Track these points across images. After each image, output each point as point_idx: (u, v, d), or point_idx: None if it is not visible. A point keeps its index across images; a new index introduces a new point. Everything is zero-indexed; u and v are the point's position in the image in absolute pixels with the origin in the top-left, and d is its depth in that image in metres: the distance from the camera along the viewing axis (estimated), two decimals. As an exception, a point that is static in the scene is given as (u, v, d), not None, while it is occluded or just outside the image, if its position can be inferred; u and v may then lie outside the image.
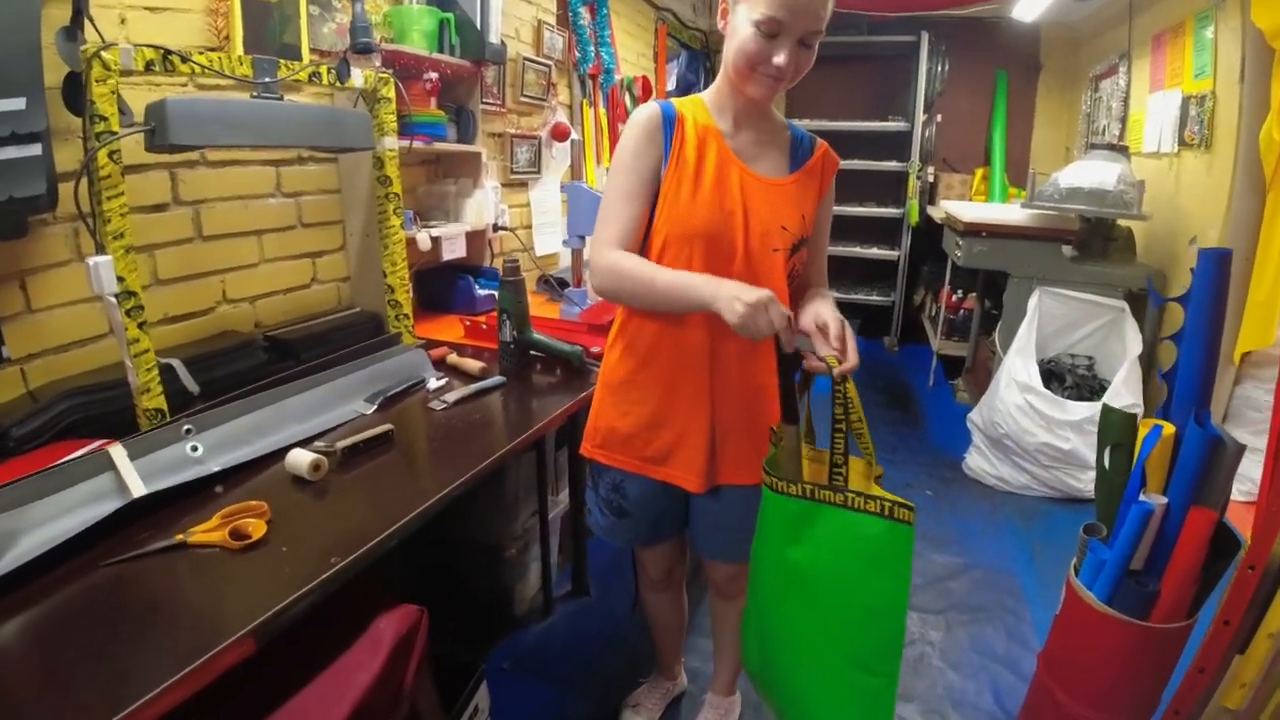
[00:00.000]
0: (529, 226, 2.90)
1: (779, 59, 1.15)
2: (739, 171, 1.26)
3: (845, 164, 4.78)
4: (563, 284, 2.51)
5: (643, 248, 1.29)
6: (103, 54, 1.27)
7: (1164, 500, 1.44)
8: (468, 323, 2.15)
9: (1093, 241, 3.43)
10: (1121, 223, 3.46)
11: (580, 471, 2.07)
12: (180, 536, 1.09)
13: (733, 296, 1.08)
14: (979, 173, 5.48)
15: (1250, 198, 2.79)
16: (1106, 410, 1.58)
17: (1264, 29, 2.49)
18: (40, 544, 1.03)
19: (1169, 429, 1.48)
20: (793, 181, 1.30)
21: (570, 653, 2.10)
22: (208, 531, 1.09)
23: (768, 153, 1.31)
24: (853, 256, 5.51)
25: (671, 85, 4.90)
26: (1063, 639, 1.64)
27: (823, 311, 1.20)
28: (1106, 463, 1.58)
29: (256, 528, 1.10)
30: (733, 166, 1.26)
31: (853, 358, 1.14)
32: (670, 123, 1.26)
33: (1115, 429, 1.56)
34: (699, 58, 5.04)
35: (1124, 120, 4.18)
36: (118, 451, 1.18)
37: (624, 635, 2.13)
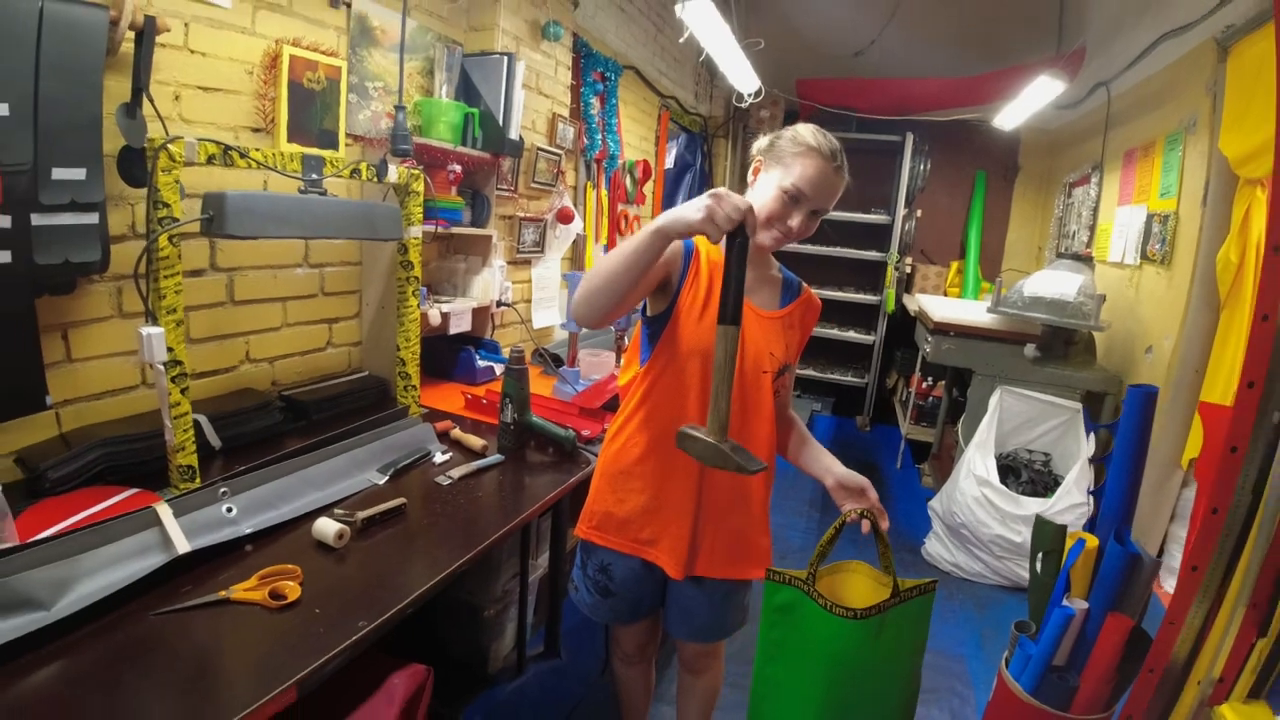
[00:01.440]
0: (529, 301, 3.08)
1: (793, 222, 1.39)
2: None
3: (830, 251, 5.08)
4: (557, 360, 2.68)
5: (648, 357, 1.46)
6: (170, 146, 1.40)
7: (1085, 605, 1.62)
8: (469, 396, 2.30)
9: (1054, 344, 3.63)
10: (1082, 330, 3.67)
11: (561, 536, 2.21)
12: (224, 594, 1.22)
13: (691, 205, 1.15)
14: (954, 265, 5.75)
15: (1204, 313, 2.97)
16: (1040, 521, 1.76)
17: (1229, 156, 2.70)
18: (95, 591, 1.16)
19: (1092, 542, 1.67)
20: (782, 316, 1.51)
21: (540, 713, 2.19)
22: (248, 590, 1.23)
23: (764, 289, 1.52)
24: (832, 339, 5.75)
25: (670, 164, 5.15)
26: (994, 725, 1.80)
27: (841, 475, 1.48)
28: (1038, 567, 1.76)
29: (292, 590, 1.23)
30: None
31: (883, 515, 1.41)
32: (689, 253, 1.44)
33: (1046, 538, 1.74)
34: (696, 140, 5.30)
35: (1093, 229, 4.39)
36: (164, 510, 1.32)
37: (593, 698, 2.24)
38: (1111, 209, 4.13)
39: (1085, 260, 3.64)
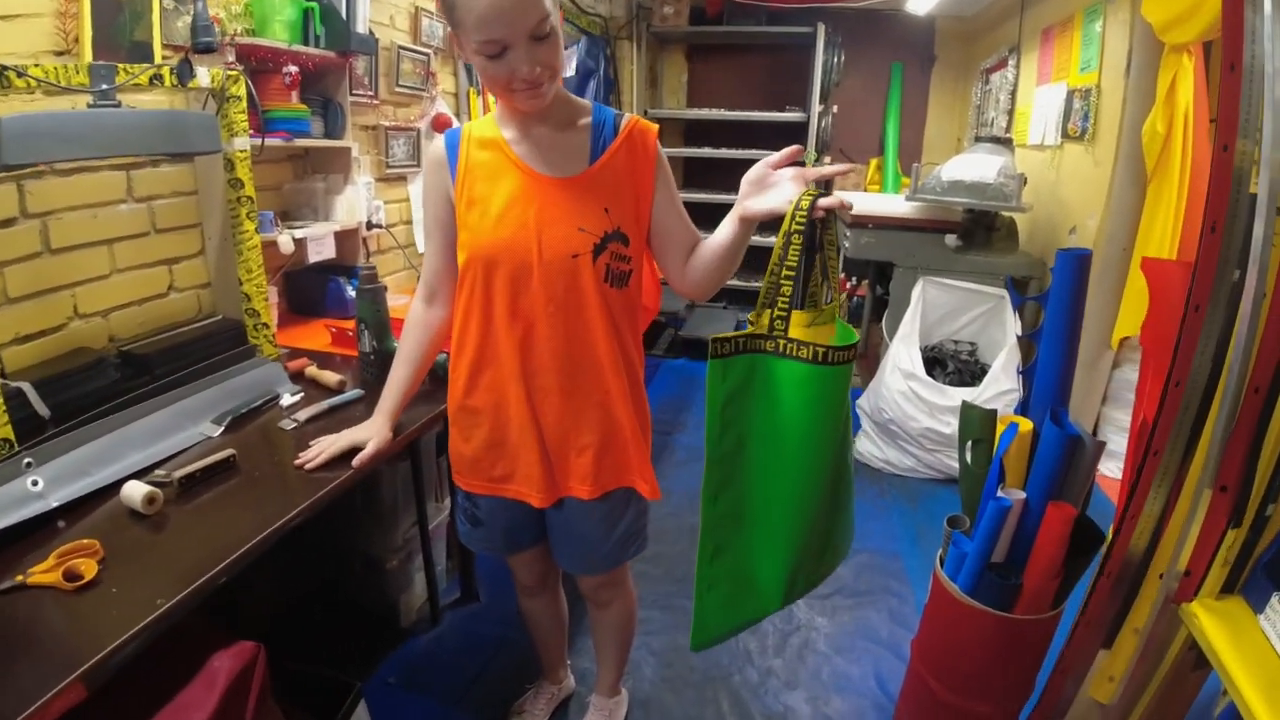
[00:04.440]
0: (408, 222, 2.80)
1: (522, 71, 1.10)
2: (525, 177, 1.21)
3: (744, 154, 4.80)
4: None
5: (457, 279, 1.30)
6: None
7: (1021, 496, 1.49)
8: (334, 329, 2.06)
9: (976, 232, 3.55)
10: (1004, 213, 3.58)
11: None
12: (20, 577, 1.06)
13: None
14: (874, 163, 5.62)
15: (1131, 189, 2.91)
16: (966, 406, 1.62)
17: (1153, 22, 2.58)
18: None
19: (1025, 426, 1.53)
20: (591, 175, 1.23)
21: (458, 662, 2.05)
22: (45, 572, 1.07)
23: (560, 151, 1.24)
24: (753, 245, 5.54)
25: (571, 71, 4.82)
26: (931, 628, 1.70)
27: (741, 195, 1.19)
28: (968, 457, 1.62)
29: (89, 568, 1.06)
30: (516, 174, 1.22)
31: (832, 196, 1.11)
32: (454, 148, 1.24)
33: (974, 425, 1.60)
34: (599, 43, 4.96)
35: (1011, 113, 4.32)
36: (-41, 490, 1.10)
37: (514, 640, 2.09)
38: (1030, 91, 4.05)
39: (1004, 143, 3.55)
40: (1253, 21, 0.98)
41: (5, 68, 1.28)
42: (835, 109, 5.41)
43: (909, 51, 5.54)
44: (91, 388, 1.59)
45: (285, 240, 1.98)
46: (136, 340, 1.83)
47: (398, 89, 2.55)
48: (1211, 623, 1.09)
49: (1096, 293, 2.93)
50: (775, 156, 1.16)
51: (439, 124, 2.76)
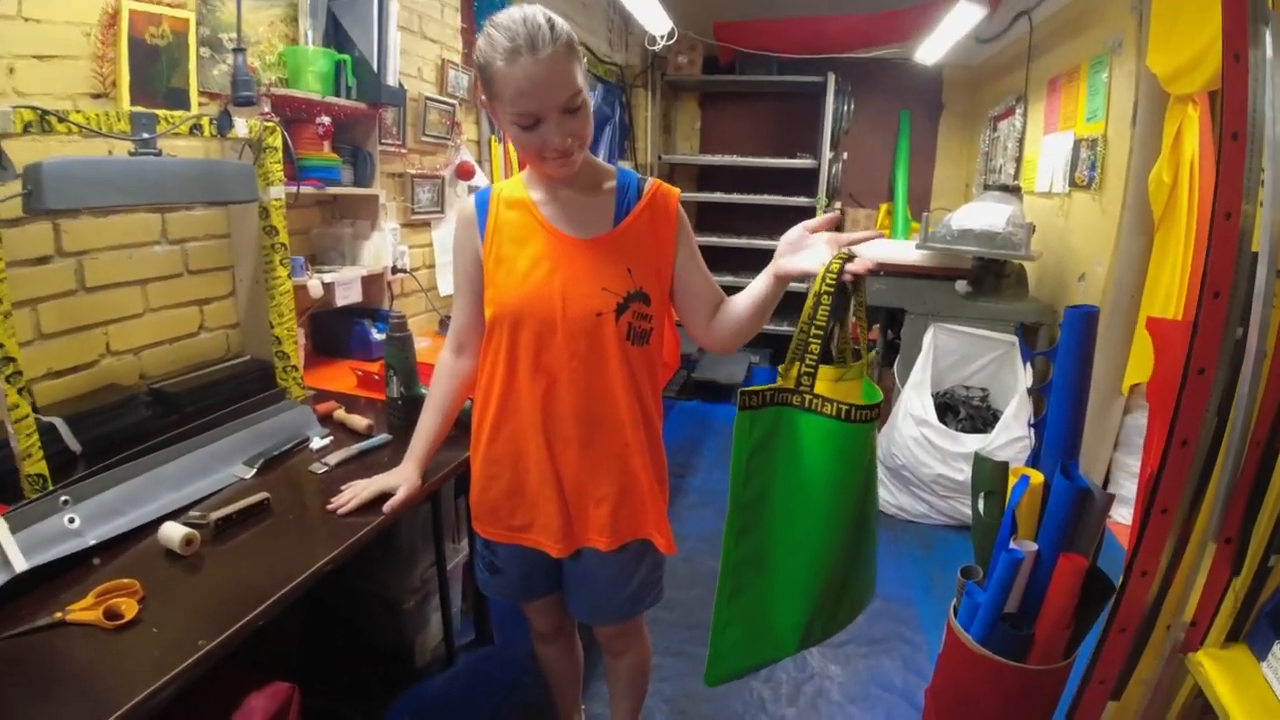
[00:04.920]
0: (431, 266, 2.86)
1: (554, 141, 1.16)
2: (551, 238, 1.27)
3: (754, 198, 4.83)
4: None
5: (486, 332, 1.34)
6: None
7: (1034, 548, 1.51)
8: (360, 373, 2.10)
9: (986, 278, 3.57)
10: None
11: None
12: (59, 615, 1.08)
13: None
14: (883, 208, 5.69)
15: (1138, 237, 2.95)
16: (979, 459, 1.65)
17: (1158, 73, 2.63)
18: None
19: (1037, 479, 1.56)
20: (615, 237, 1.29)
21: (472, 704, 2.06)
22: (84, 610, 1.09)
23: (586, 213, 1.30)
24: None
25: (586, 118, 4.93)
26: (944, 677, 1.71)
27: (778, 256, 1.25)
28: (981, 509, 1.65)
29: (129, 607, 1.09)
30: (543, 235, 1.27)
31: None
32: (483, 208, 1.30)
33: (986, 476, 1.63)
34: (615, 91, 5.09)
35: (1019, 160, 4.38)
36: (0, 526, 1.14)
37: (527, 683, 2.11)
38: (1037, 139, 4.10)
39: (1013, 191, 3.59)
40: (1255, 91, 1.03)
41: (47, 112, 1.34)
42: (845, 155, 5.50)
43: (917, 99, 5.64)
44: (122, 424, 1.64)
45: (315, 284, 2.04)
46: (166, 378, 1.88)
47: (424, 138, 2.64)
48: (1216, 671, 1.11)
49: (1106, 339, 2.96)
50: (813, 222, 1.24)
51: (462, 171, 2.84)
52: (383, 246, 2.36)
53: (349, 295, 2.22)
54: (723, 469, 3.76)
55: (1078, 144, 3.45)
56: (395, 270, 2.44)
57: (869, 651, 2.35)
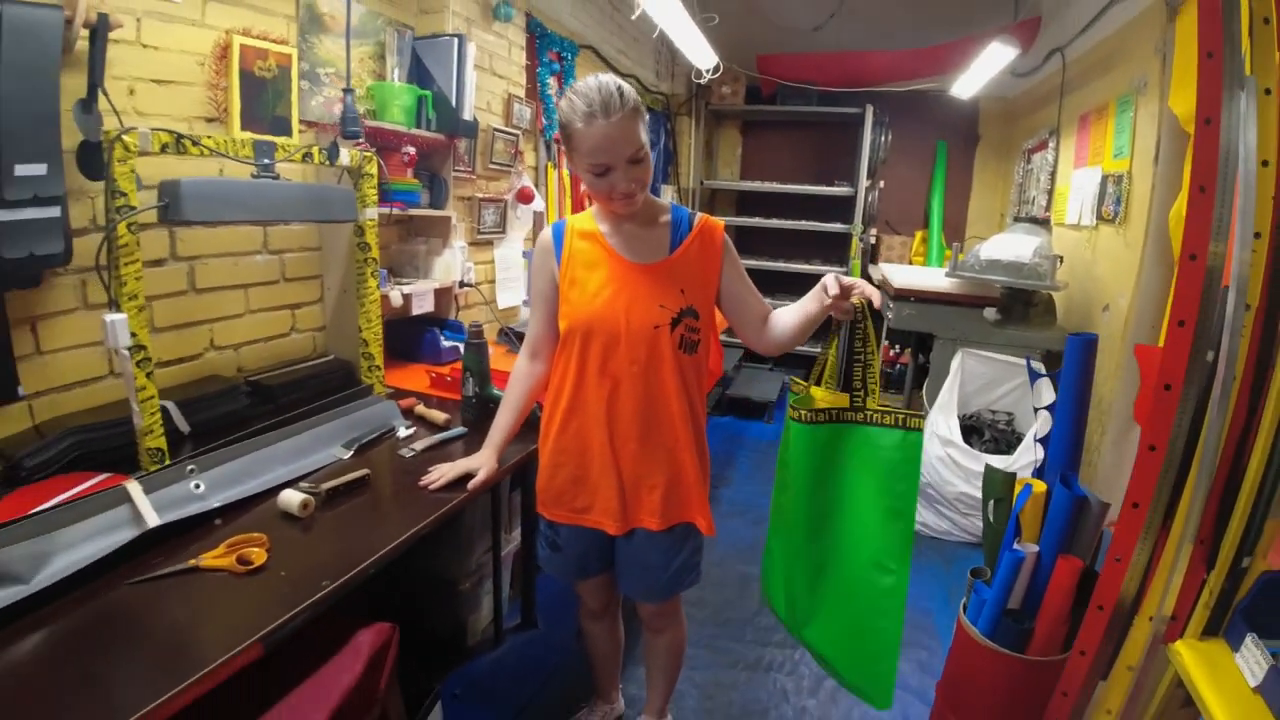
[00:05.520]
0: (492, 281, 3.10)
1: (620, 186, 1.43)
2: (617, 264, 1.51)
3: (794, 224, 5.03)
4: (521, 337, 2.71)
5: (559, 339, 1.58)
6: (124, 137, 1.43)
7: (1035, 549, 1.68)
8: (433, 374, 2.33)
9: (1014, 306, 3.69)
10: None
11: (531, 512, 2.26)
12: (193, 562, 1.27)
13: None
14: (919, 235, 5.83)
15: (1159, 270, 3.02)
16: (989, 470, 1.82)
17: (1179, 114, 2.72)
18: (71, 564, 1.20)
19: (1039, 487, 1.73)
20: (670, 263, 1.52)
21: (518, 681, 2.25)
22: (217, 558, 1.28)
23: (646, 242, 1.54)
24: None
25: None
26: (953, 669, 1.87)
27: (816, 295, 1.49)
28: (991, 515, 1.82)
29: (259, 555, 1.28)
30: (610, 261, 1.52)
31: (871, 291, 1.44)
32: (559, 238, 1.56)
33: (996, 485, 1.80)
34: (660, 119, 5.32)
35: (1050, 193, 4.42)
36: (134, 487, 1.36)
37: (568, 665, 2.30)
38: (1068, 172, 4.17)
39: (1042, 223, 3.70)
40: (1226, 148, 1.21)
41: (181, 136, 1.57)
42: (882, 184, 5.66)
43: (953, 130, 5.77)
44: (225, 410, 1.86)
45: (396, 295, 2.28)
46: (261, 372, 2.11)
47: (491, 165, 2.88)
48: (1193, 660, 1.26)
49: (1127, 368, 3.09)
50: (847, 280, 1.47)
51: (523, 196, 3.07)
52: (452, 262, 2.60)
53: (423, 305, 2.46)
54: (755, 482, 3.94)
55: (1105, 179, 3.53)
56: (462, 284, 2.67)
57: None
